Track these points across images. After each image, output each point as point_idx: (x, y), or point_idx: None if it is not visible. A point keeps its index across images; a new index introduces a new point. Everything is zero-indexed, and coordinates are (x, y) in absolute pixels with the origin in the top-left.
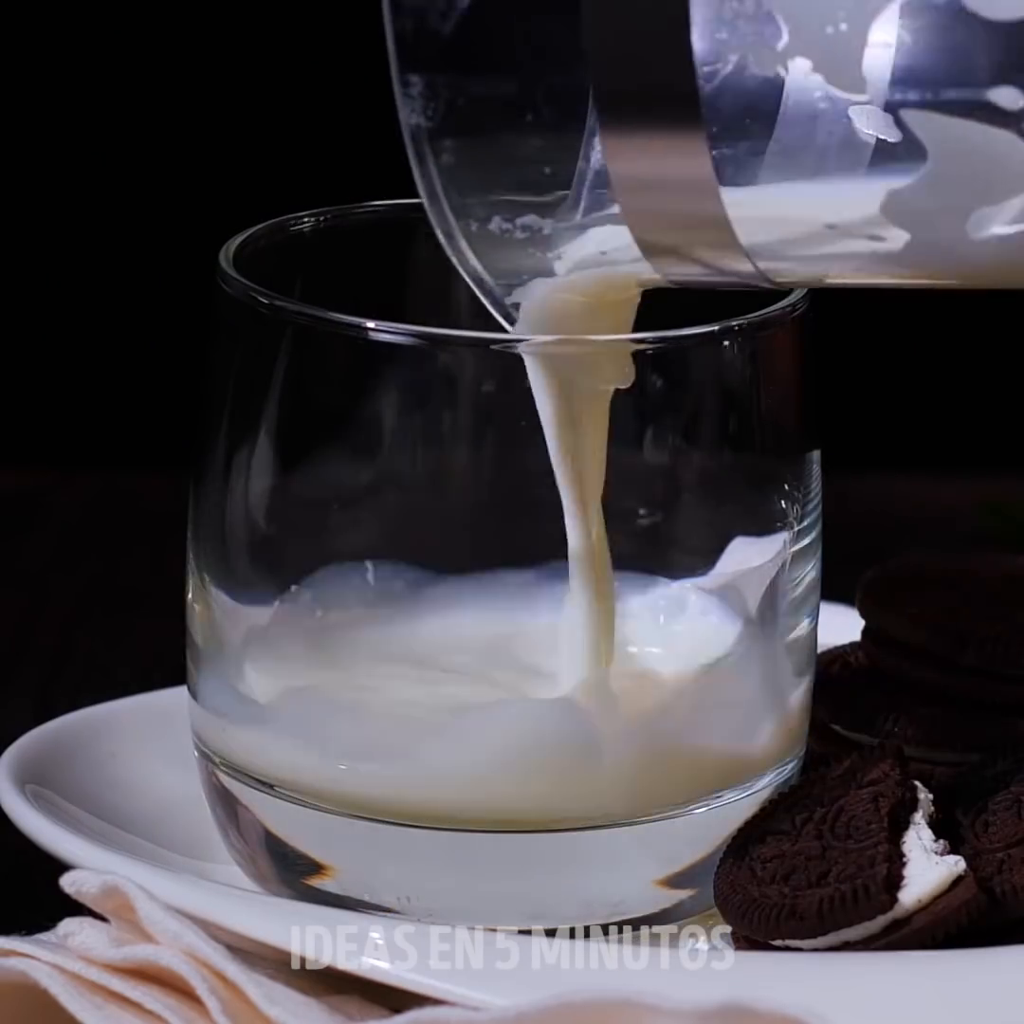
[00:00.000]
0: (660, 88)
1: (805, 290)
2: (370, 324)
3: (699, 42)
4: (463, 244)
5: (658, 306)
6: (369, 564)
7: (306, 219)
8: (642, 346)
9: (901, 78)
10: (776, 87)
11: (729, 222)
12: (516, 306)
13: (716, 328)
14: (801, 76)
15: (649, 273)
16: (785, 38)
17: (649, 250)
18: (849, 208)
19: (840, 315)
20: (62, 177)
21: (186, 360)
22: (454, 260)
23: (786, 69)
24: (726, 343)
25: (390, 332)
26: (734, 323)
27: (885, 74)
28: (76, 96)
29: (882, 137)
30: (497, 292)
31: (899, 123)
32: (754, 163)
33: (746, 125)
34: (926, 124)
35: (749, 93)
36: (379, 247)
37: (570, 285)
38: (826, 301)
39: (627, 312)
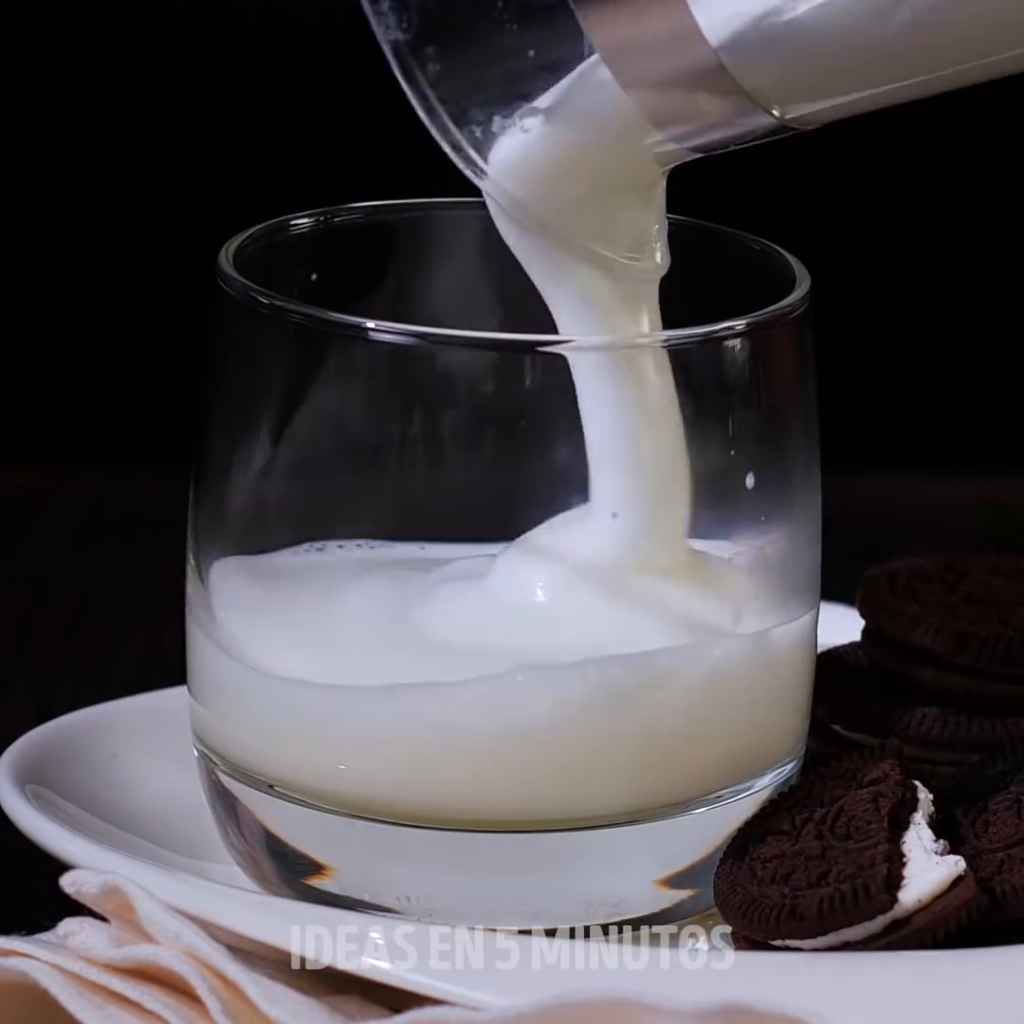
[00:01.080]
0: None
1: (805, 290)
2: (370, 324)
3: None
4: (473, 154)
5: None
6: (369, 563)
7: (306, 219)
8: (641, 346)
9: None
10: None
11: (724, 68)
12: None
13: (716, 328)
14: None
15: (665, 144)
16: None
17: (657, 118)
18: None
19: (840, 315)
20: (62, 177)
21: (186, 360)
22: (468, 173)
23: None
24: (726, 343)
25: (390, 332)
26: (734, 323)
27: None
28: (76, 97)
29: None
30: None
31: None
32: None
33: None
34: None
35: None
36: (379, 247)
37: (577, 155)
38: (826, 301)
39: (658, 196)
